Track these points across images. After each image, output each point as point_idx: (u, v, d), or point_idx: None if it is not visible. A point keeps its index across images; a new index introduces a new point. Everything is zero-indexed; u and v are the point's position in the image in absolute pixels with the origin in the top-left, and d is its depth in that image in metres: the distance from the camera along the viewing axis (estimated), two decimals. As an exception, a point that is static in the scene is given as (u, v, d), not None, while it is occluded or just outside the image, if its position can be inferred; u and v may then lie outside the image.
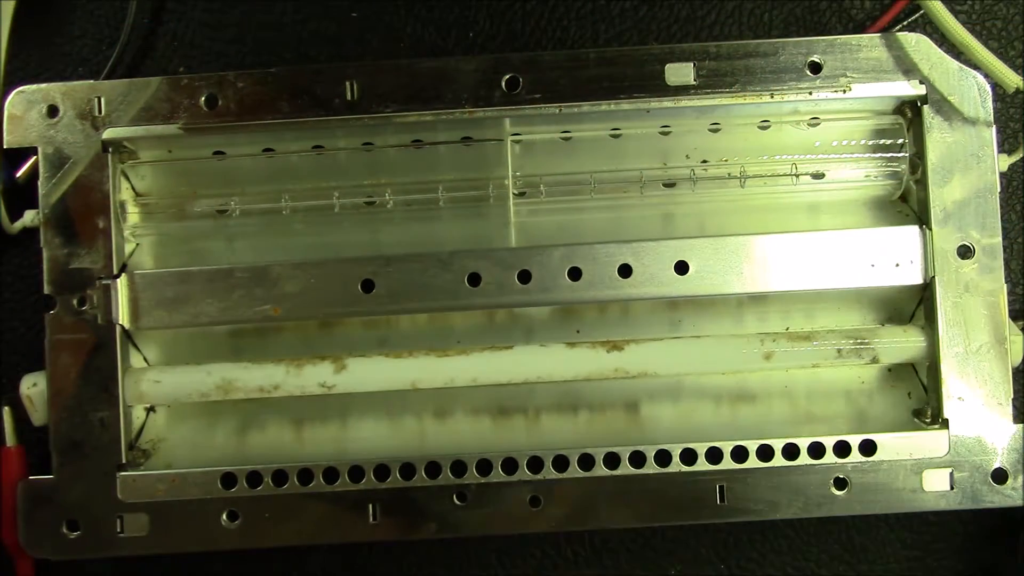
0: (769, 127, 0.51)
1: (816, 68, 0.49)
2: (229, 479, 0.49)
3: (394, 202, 0.50)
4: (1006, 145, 0.53)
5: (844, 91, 0.49)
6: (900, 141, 0.50)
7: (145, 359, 0.51)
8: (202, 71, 0.50)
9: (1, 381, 0.53)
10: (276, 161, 0.51)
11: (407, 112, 0.49)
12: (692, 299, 0.50)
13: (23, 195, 0.51)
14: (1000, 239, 0.49)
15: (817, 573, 0.54)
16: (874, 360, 0.49)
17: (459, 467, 0.48)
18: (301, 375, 0.49)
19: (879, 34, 0.50)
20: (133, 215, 0.50)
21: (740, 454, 0.48)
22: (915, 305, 0.51)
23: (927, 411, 0.50)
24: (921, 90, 0.49)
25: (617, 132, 0.51)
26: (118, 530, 0.48)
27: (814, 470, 0.48)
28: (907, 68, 0.49)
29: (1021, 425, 0.49)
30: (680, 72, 0.49)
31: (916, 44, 0.49)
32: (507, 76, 0.49)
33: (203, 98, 0.49)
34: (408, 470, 0.48)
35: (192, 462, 0.50)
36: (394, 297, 0.49)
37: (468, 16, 0.55)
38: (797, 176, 0.50)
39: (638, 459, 0.49)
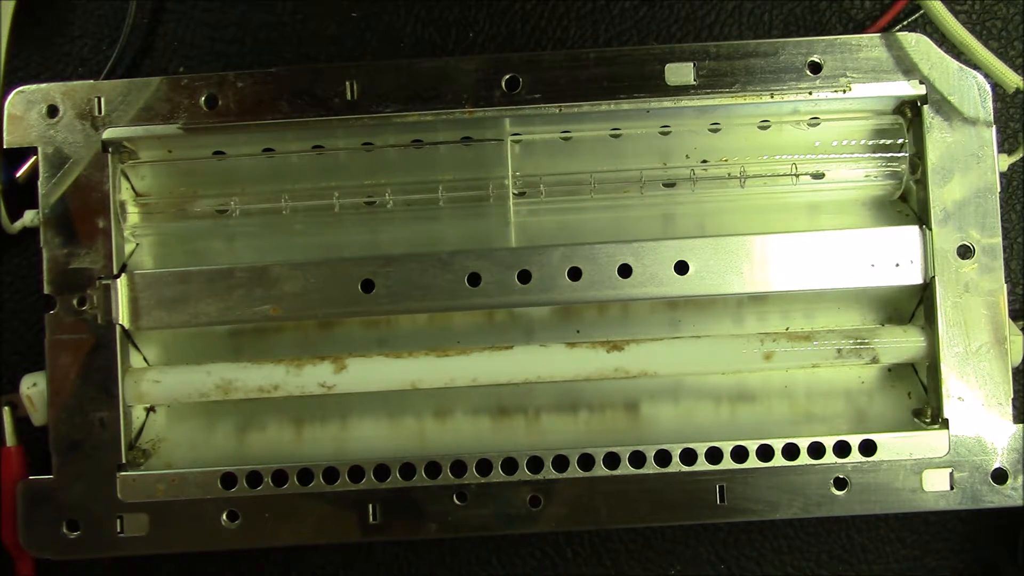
0: (769, 127, 0.51)
1: (816, 68, 0.49)
2: (229, 479, 0.49)
3: (394, 202, 0.50)
4: (1006, 145, 0.53)
5: (844, 91, 0.49)
6: (900, 141, 0.50)
7: (145, 359, 0.51)
8: (202, 71, 0.50)
9: (1, 381, 0.53)
10: (276, 161, 0.51)
11: (407, 112, 0.49)
12: (692, 299, 0.50)
13: (23, 195, 0.51)
14: (1000, 239, 0.49)
15: (817, 573, 0.54)
16: (874, 360, 0.49)
17: (459, 467, 0.48)
18: (301, 375, 0.49)
19: (879, 34, 0.50)
20: (133, 215, 0.50)
21: (740, 454, 0.48)
22: (915, 305, 0.51)
23: (927, 411, 0.50)
24: (921, 90, 0.49)
25: (617, 132, 0.51)
26: (118, 530, 0.48)
27: (814, 470, 0.48)
28: (907, 68, 0.49)
29: (1021, 425, 0.49)
30: (680, 72, 0.49)
31: (916, 44, 0.49)
32: (507, 76, 0.49)
33: (203, 98, 0.49)
34: (408, 470, 0.49)
35: (192, 462, 0.50)
36: (394, 297, 0.49)
37: (468, 16, 0.55)
38: (797, 176, 0.50)
39: (638, 459, 0.49)
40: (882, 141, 0.50)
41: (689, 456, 0.48)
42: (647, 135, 0.51)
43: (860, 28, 0.54)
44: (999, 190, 0.49)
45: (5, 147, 0.50)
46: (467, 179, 0.50)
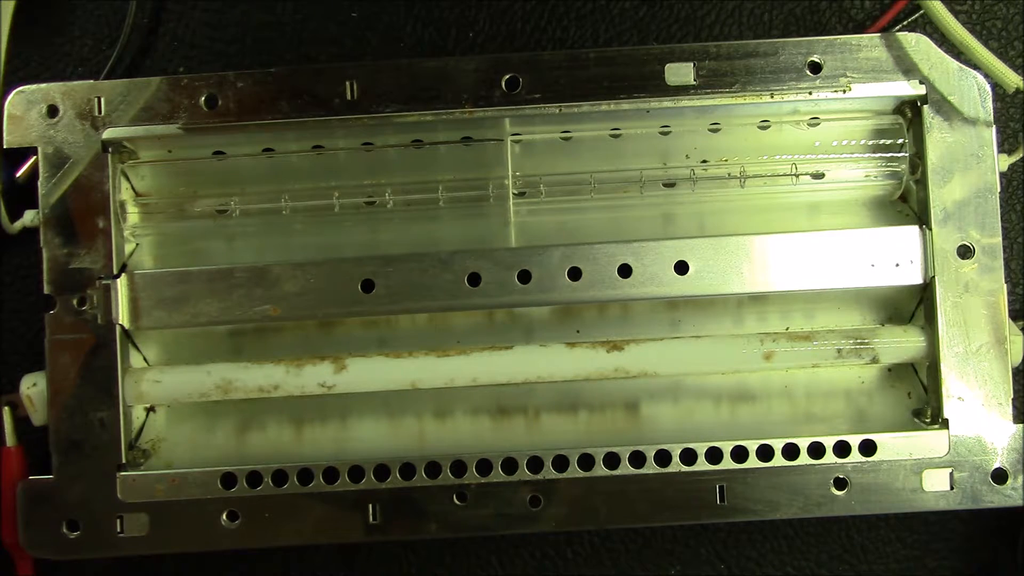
0: (769, 127, 0.51)
1: (816, 68, 0.49)
2: (229, 479, 0.49)
3: (394, 202, 0.50)
4: (1006, 145, 0.53)
5: (844, 91, 0.49)
6: (900, 141, 0.50)
7: (145, 359, 0.51)
8: (202, 71, 0.50)
9: (1, 381, 0.53)
10: (276, 161, 0.51)
11: (407, 112, 0.49)
12: (692, 299, 0.50)
13: (23, 195, 0.51)
14: (1000, 239, 0.49)
15: (817, 573, 0.54)
16: (874, 360, 0.49)
17: (459, 467, 0.48)
18: (301, 375, 0.49)
19: (879, 34, 0.50)
20: (133, 215, 0.50)
21: (740, 454, 0.48)
22: (915, 305, 0.51)
23: (927, 411, 0.50)
24: (921, 90, 0.49)
25: (617, 132, 0.51)
26: (118, 530, 0.48)
27: (814, 470, 0.48)
28: (907, 68, 0.49)
29: (1021, 425, 0.49)
30: (680, 72, 0.49)
31: (916, 44, 0.49)
32: (507, 76, 0.49)
33: (203, 98, 0.49)
34: (408, 470, 0.49)
35: (192, 462, 0.50)
36: (394, 297, 0.49)
37: (468, 16, 0.55)
38: (797, 176, 0.50)
39: (638, 459, 0.49)
40: (882, 141, 0.50)
41: (689, 456, 0.48)
42: (647, 135, 0.51)
43: (860, 28, 0.54)
44: (999, 190, 0.49)
45: (5, 147, 0.50)
46: (467, 179, 0.50)
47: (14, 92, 0.50)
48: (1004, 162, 0.50)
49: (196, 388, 0.49)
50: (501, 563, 0.55)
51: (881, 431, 0.49)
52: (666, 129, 0.51)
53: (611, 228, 0.51)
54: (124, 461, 0.49)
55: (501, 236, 0.50)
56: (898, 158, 0.50)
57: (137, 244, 0.51)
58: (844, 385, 0.52)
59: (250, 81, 0.49)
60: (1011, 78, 0.48)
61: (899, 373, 0.52)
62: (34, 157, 0.50)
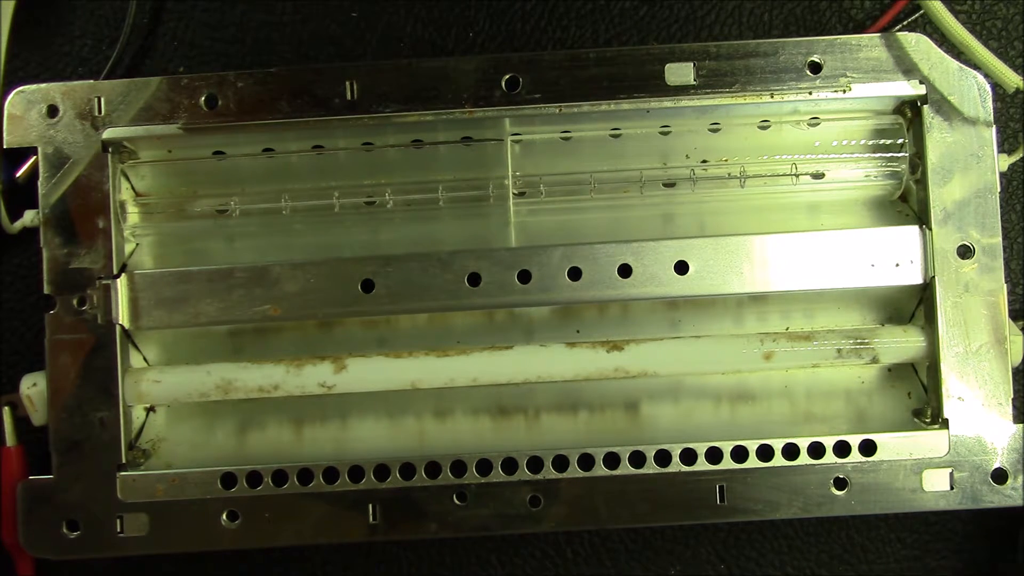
0: (769, 127, 0.51)
1: (816, 68, 0.49)
2: (229, 479, 0.49)
3: (394, 202, 0.50)
4: (1006, 145, 0.53)
5: (844, 91, 0.49)
6: (900, 141, 0.50)
7: (145, 359, 0.51)
8: (202, 71, 0.50)
9: (1, 381, 0.53)
10: (276, 161, 0.51)
11: (407, 112, 0.49)
12: (692, 299, 0.50)
13: (23, 195, 0.51)
14: (1000, 239, 0.49)
15: (817, 573, 0.54)
16: (874, 360, 0.49)
17: (459, 467, 0.48)
18: (301, 375, 0.49)
19: (879, 34, 0.50)
20: (133, 215, 0.50)
21: (740, 454, 0.48)
22: (915, 305, 0.51)
23: (927, 411, 0.50)
24: (921, 90, 0.49)
25: (617, 132, 0.51)
26: (118, 530, 0.48)
27: (814, 470, 0.48)
28: (907, 68, 0.49)
29: (1021, 425, 0.49)
30: (680, 72, 0.49)
31: (916, 44, 0.49)
32: (507, 76, 0.49)
33: (203, 98, 0.50)
34: (408, 470, 0.49)
35: (192, 462, 0.50)
36: (394, 297, 0.49)
37: (468, 16, 0.55)
38: (797, 176, 0.50)
39: (638, 459, 0.49)
40: (882, 141, 0.50)
41: (689, 456, 0.48)
42: (647, 135, 0.51)
43: (860, 28, 0.54)
44: (999, 190, 0.49)
45: (5, 147, 0.50)
46: (467, 179, 0.50)
47: (14, 92, 0.50)
48: (1004, 162, 0.50)
49: (196, 388, 0.49)
50: (501, 563, 0.55)
51: (881, 431, 0.49)
52: (666, 129, 0.51)
53: (611, 228, 0.51)
54: (124, 461, 0.49)
55: (501, 236, 0.50)
56: (898, 158, 0.50)
57: (137, 244, 0.51)
58: (844, 385, 0.52)
59: (250, 81, 0.49)
60: (1011, 78, 0.48)
61: (899, 373, 0.52)
62: (34, 157, 0.50)
